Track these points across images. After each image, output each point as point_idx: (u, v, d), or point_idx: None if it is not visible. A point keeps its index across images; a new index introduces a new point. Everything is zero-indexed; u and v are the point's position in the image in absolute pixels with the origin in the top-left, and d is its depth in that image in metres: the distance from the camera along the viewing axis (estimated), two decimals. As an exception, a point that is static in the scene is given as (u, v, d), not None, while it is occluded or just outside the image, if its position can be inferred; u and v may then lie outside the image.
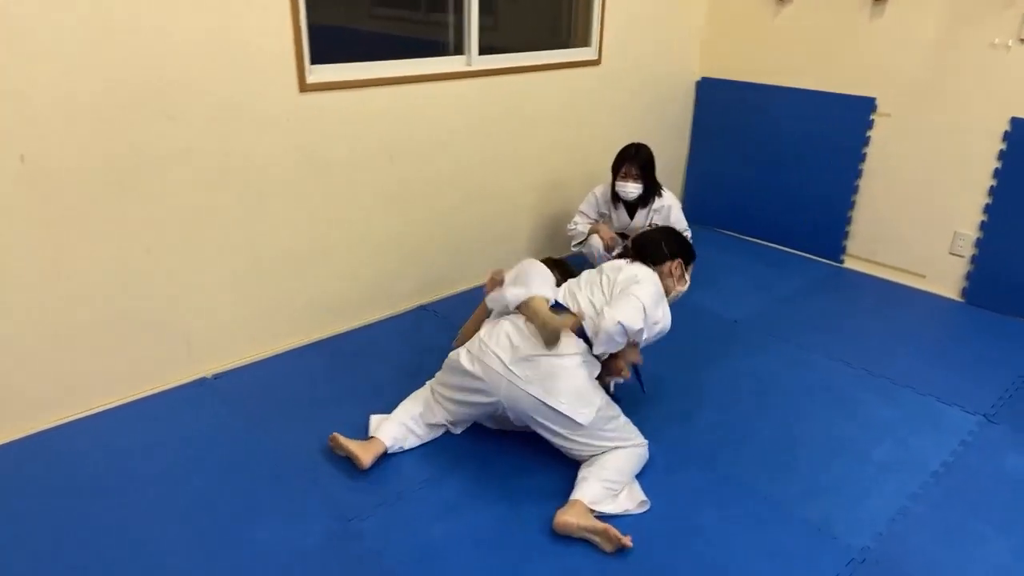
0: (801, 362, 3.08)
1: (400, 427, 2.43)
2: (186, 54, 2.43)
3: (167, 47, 2.39)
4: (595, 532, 2.05)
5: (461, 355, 2.38)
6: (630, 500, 2.21)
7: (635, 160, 3.33)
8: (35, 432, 2.46)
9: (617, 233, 3.56)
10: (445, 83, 3.23)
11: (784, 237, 4.39)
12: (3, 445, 2.39)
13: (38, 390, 2.46)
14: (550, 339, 2.26)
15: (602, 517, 2.11)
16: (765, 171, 4.34)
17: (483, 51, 3.36)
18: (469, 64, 3.33)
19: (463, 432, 2.52)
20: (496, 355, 2.30)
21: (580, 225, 3.57)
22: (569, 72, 3.74)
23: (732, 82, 4.39)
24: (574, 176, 3.97)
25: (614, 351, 2.32)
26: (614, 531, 2.03)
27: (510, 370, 2.26)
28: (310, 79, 2.77)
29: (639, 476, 2.31)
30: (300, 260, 2.99)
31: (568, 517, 2.08)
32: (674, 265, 2.56)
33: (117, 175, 2.41)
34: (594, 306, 2.37)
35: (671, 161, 4.64)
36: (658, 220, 3.49)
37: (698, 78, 4.56)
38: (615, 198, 3.50)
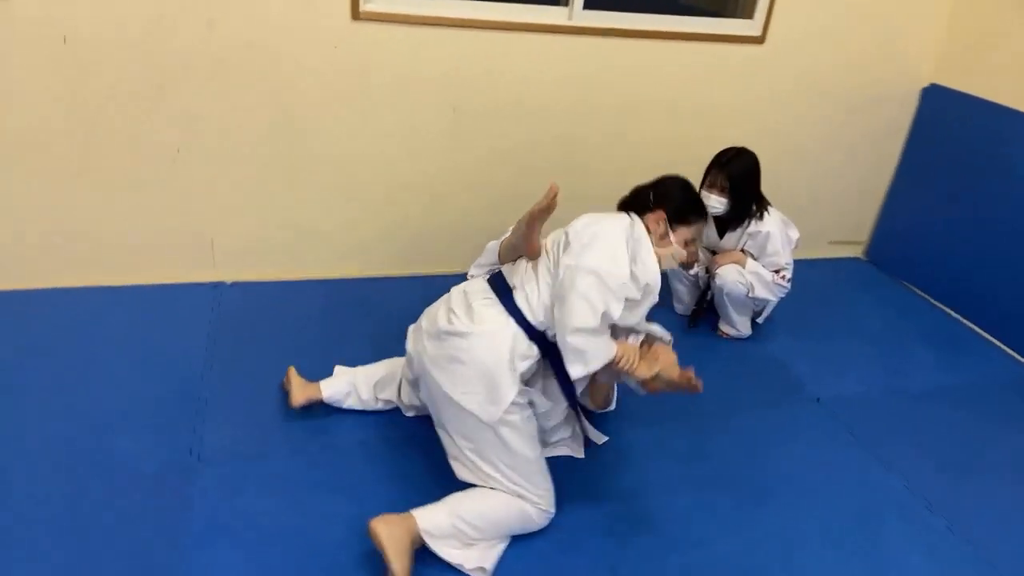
0: (871, 507, 2.18)
1: (346, 384, 2.28)
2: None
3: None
4: (397, 558, 1.68)
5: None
6: (474, 560, 1.79)
7: (725, 169, 2.64)
8: (37, 288, 2.75)
9: (707, 249, 2.91)
10: (536, 36, 2.85)
11: (980, 314, 3.24)
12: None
13: (52, 251, 2.75)
14: None
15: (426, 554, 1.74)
16: (987, 225, 3.19)
17: (593, 4, 2.89)
18: (570, 18, 2.89)
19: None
20: (422, 323, 2.00)
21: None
22: (713, 47, 3.08)
23: (977, 100, 3.25)
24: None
25: (599, 366, 1.79)
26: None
27: (424, 344, 1.93)
28: (365, 7, 2.62)
29: (514, 543, 1.87)
30: (333, 195, 2.93)
31: (381, 526, 1.71)
32: (654, 219, 1.97)
33: (156, 74, 2.53)
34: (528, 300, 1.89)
35: (863, 186, 3.67)
36: (752, 247, 2.77)
37: (926, 84, 3.48)
38: None
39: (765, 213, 2.73)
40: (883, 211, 3.77)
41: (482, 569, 1.77)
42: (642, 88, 3.07)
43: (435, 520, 1.76)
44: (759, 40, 3.12)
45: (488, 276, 2.02)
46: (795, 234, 2.84)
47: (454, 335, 1.85)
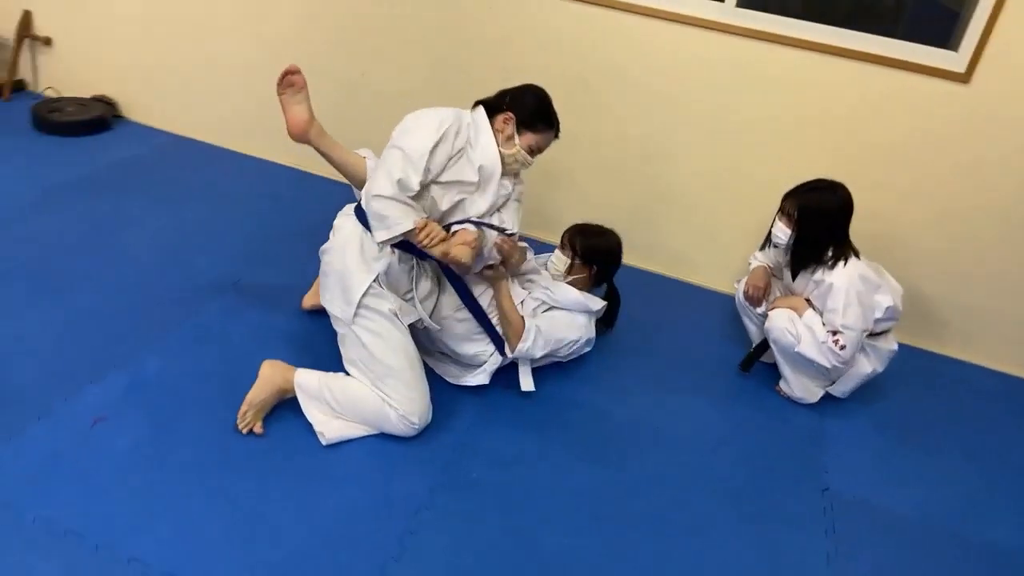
0: None
1: None
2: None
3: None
4: (258, 387, 1.99)
5: None
6: (328, 428, 2.01)
7: (798, 198, 2.30)
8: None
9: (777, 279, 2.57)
10: (679, 27, 2.78)
11: None
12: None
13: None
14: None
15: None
16: None
17: (751, 2, 2.70)
18: (723, 14, 2.74)
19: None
20: None
21: (753, 262, 2.67)
22: (898, 76, 2.62)
23: None
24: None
25: (401, 232, 1.93)
26: (256, 419, 2.01)
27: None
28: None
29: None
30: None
31: (267, 365, 2.03)
32: (503, 119, 2.10)
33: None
34: None
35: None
36: (815, 297, 2.38)
37: None
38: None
39: (842, 262, 2.31)
40: None
41: (322, 435, 1.99)
42: (799, 104, 2.77)
43: (309, 380, 2.03)
44: (962, 78, 2.55)
45: None
46: (885, 300, 2.34)
47: (323, 254, 2.15)
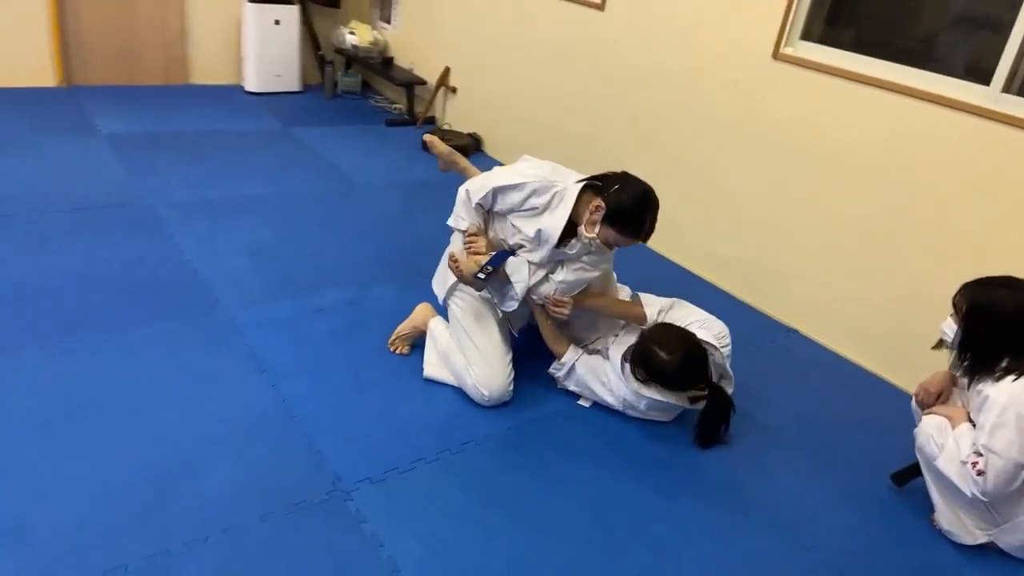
0: None
1: None
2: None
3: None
4: (402, 334, 2.58)
5: None
6: (432, 367, 2.47)
7: (968, 293, 1.97)
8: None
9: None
10: (939, 109, 2.58)
11: None
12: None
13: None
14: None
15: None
16: None
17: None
18: (993, 100, 2.45)
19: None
20: None
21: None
22: None
23: None
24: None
25: (455, 225, 2.36)
26: (402, 344, 2.60)
27: None
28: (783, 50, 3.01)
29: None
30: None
31: (417, 309, 2.61)
32: (594, 204, 2.15)
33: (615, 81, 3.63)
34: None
35: None
36: (974, 410, 1.97)
37: None
38: None
39: (1011, 376, 1.89)
40: None
41: (424, 369, 2.47)
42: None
43: (436, 327, 2.52)
44: None
45: None
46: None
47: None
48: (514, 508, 2.01)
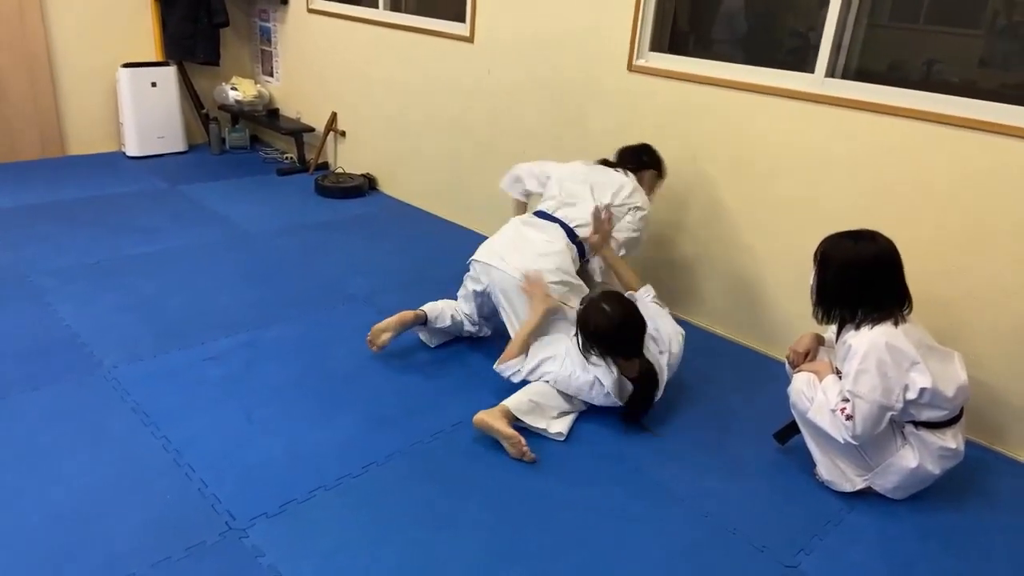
0: None
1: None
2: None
3: None
4: (504, 436, 2.27)
5: None
6: (553, 424, 2.39)
7: (824, 243, 2.14)
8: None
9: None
10: (770, 99, 2.81)
11: None
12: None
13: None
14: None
15: (524, 429, 2.35)
16: None
17: (856, 74, 2.62)
18: (819, 85, 2.70)
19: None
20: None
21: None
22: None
23: None
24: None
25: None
26: (520, 441, 2.25)
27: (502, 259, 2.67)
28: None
29: (583, 418, 2.49)
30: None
31: (483, 415, 2.30)
32: (651, 175, 2.93)
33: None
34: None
35: None
36: (838, 361, 2.13)
37: None
38: None
39: (868, 325, 2.04)
40: None
41: (558, 433, 2.37)
42: (902, 173, 2.56)
43: (516, 401, 2.35)
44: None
45: None
46: (921, 380, 1.97)
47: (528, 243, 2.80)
48: (420, 520, 2.02)
